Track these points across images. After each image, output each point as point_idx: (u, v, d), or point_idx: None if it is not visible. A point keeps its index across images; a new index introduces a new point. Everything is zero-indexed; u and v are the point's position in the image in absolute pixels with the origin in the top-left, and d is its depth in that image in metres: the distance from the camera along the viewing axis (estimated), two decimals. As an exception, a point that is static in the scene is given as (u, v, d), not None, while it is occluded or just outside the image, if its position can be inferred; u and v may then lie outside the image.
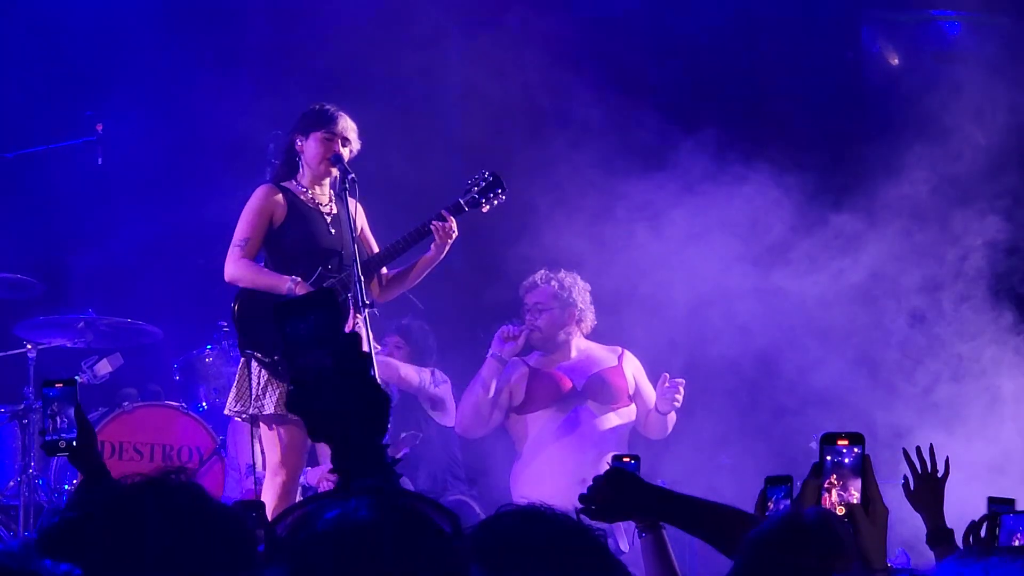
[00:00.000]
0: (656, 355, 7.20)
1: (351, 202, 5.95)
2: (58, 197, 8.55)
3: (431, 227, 5.92)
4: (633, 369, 6.93)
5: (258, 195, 5.95)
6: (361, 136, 6.01)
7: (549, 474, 6.65)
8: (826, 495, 2.68)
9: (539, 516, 2.19)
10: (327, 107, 5.98)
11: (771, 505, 3.02)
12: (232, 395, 5.88)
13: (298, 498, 5.84)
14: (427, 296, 7.50)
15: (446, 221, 5.93)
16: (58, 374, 7.51)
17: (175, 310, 8.35)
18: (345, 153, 5.93)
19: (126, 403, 7.60)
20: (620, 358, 6.93)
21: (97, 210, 8.63)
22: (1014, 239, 7.77)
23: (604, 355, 6.94)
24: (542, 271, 6.93)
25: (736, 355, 7.72)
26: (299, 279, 5.78)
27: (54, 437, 3.50)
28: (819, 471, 2.70)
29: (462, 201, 6.06)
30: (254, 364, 5.80)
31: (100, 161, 8.00)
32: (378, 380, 1.96)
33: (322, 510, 1.66)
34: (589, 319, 6.91)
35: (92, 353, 7.71)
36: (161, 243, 8.68)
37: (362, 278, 5.76)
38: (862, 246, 7.66)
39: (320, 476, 6.91)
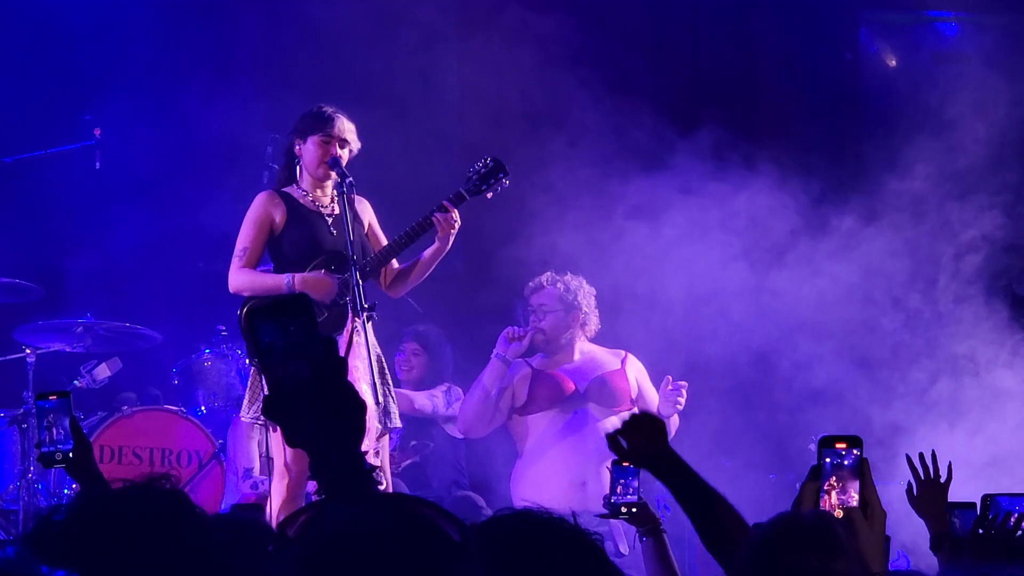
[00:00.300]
0: (654, 356, 7.19)
1: (358, 201, 5.96)
2: (56, 201, 8.54)
3: (433, 219, 5.91)
4: (636, 372, 6.93)
5: (255, 204, 5.95)
6: (359, 137, 6.01)
7: (550, 476, 6.65)
8: (824, 498, 2.68)
9: (535, 519, 2.19)
10: (324, 109, 5.97)
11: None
12: (246, 401, 5.93)
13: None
14: (426, 296, 7.49)
15: (448, 212, 5.91)
16: (57, 378, 7.59)
17: (174, 314, 8.35)
18: (344, 154, 5.93)
19: (125, 407, 7.59)
20: (623, 361, 6.93)
21: (95, 214, 8.62)
22: (1012, 237, 7.78)
23: (607, 358, 6.93)
24: (548, 273, 6.93)
25: (734, 355, 7.73)
26: (297, 274, 5.80)
27: (50, 449, 3.51)
28: (817, 474, 2.70)
29: (463, 190, 6.03)
30: None
31: (98, 165, 8.00)
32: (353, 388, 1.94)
33: (333, 513, 1.66)
34: (593, 323, 6.91)
35: (91, 357, 7.70)
36: (160, 247, 8.67)
37: (360, 281, 5.76)
38: (860, 245, 7.66)
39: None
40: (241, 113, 8.07)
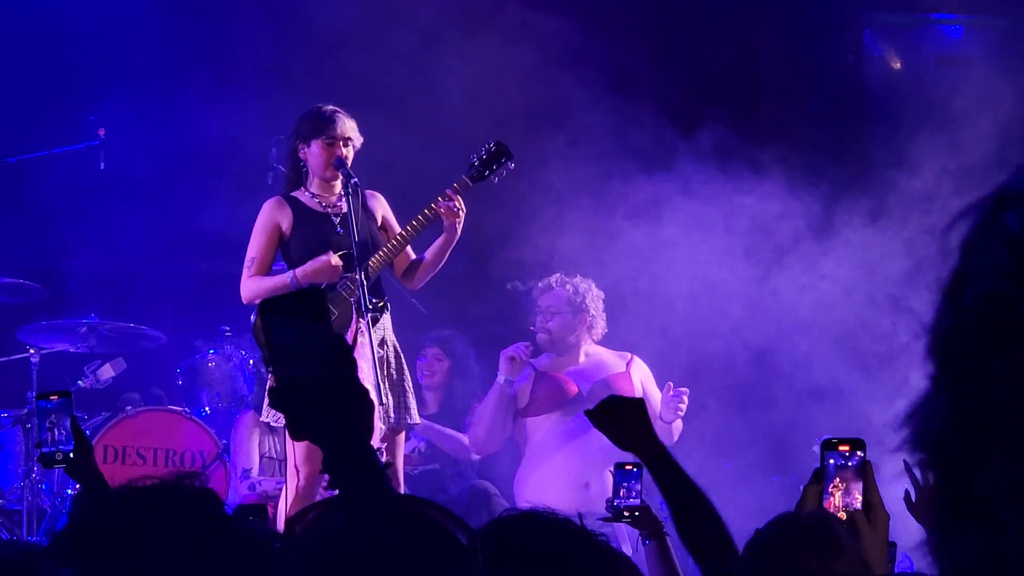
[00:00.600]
0: (656, 357, 7.19)
1: (371, 196, 5.98)
2: (60, 202, 8.56)
3: (438, 208, 5.90)
4: (641, 376, 6.92)
5: (262, 212, 5.99)
6: (360, 134, 6.00)
7: (553, 478, 6.65)
8: (827, 500, 2.68)
9: (541, 520, 2.19)
10: (323, 110, 5.96)
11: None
12: (265, 403, 5.97)
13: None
14: (427, 296, 7.49)
15: (451, 200, 5.91)
16: (61, 378, 7.59)
17: (178, 315, 8.36)
18: (348, 152, 5.93)
19: (129, 408, 7.60)
20: (628, 364, 6.92)
21: (99, 214, 8.64)
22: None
23: (613, 360, 6.93)
24: (557, 275, 6.92)
25: (736, 357, 7.73)
26: (300, 268, 5.82)
27: (51, 449, 3.50)
28: (820, 476, 2.70)
29: (466, 177, 6.00)
30: None
31: (102, 166, 8.01)
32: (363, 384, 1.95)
33: (341, 512, 1.67)
34: (600, 326, 6.91)
35: (95, 358, 7.71)
36: (164, 247, 8.69)
37: (365, 282, 5.77)
38: (863, 246, 7.66)
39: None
40: (244, 113, 8.07)
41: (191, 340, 8.17)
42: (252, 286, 5.92)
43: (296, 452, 5.77)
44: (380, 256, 5.91)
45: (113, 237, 8.70)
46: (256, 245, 5.94)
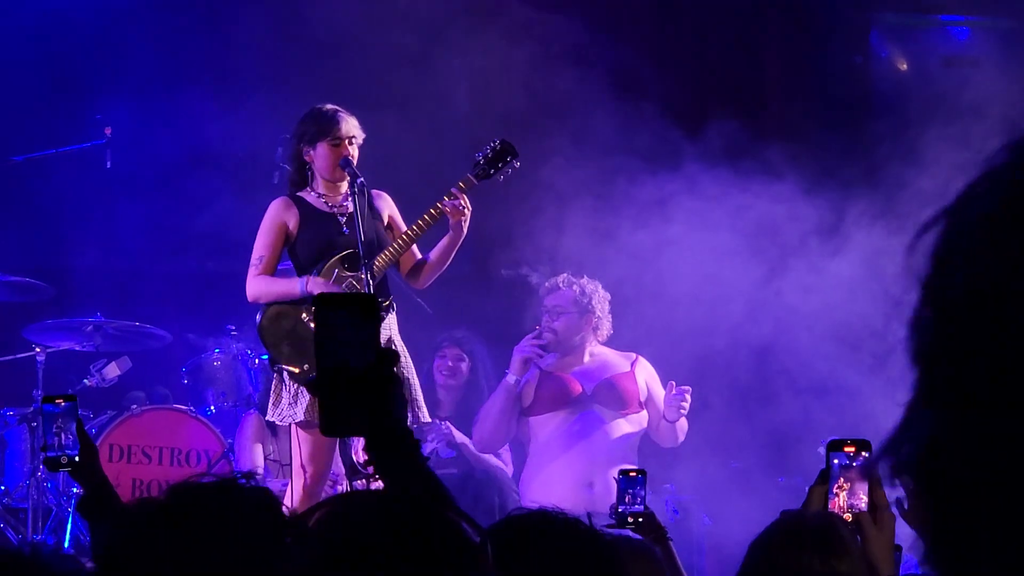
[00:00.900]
0: (659, 357, 7.19)
1: (377, 195, 5.98)
2: (67, 200, 8.57)
3: (443, 207, 5.89)
4: (646, 376, 6.92)
5: (269, 211, 5.99)
6: (367, 140, 6.01)
7: (557, 478, 6.65)
8: (833, 501, 2.68)
9: (550, 520, 2.20)
10: (324, 111, 5.95)
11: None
12: (271, 402, 5.96)
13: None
14: (429, 296, 7.49)
15: (457, 199, 5.91)
16: (67, 377, 7.60)
17: (183, 313, 8.37)
18: (353, 151, 5.93)
19: (134, 406, 7.61)
20: (633, 364, 6.92)
21: (105, 213, 8.65)
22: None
23: (617, 360, 6.93)
24: (564, 275, 6.92)
25: (741, 356, 7.72)
26: (310, 277, 5.82)
27: (56, 453, 3.51)
28: (826, 477, 2.70)
29: (471, 175, 5.99)
30: (286, 375, 5.85)
31: (109, 165, 8.02)
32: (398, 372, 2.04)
33: (353, 508, 1.67)
34: (606, 327, 6.91)
35: (100, 356, 7.71)
36: (170, 246, 8.70)
37: (371, 281, 5.77)
38: (868, 246, 7.65)
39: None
40: (249, 112, 8.08)
41: (197, 339, 8.17)
42: (260, 285, 5.92)
43: (302, 451, 5.79)
44: (386, 255, 5.91)
45: (119, 236, 8.71)
46: (263, 243, 5.95)
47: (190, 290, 8.59)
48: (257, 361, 7.73)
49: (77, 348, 7.72)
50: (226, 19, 8.81)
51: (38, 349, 7.53)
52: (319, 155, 5.93)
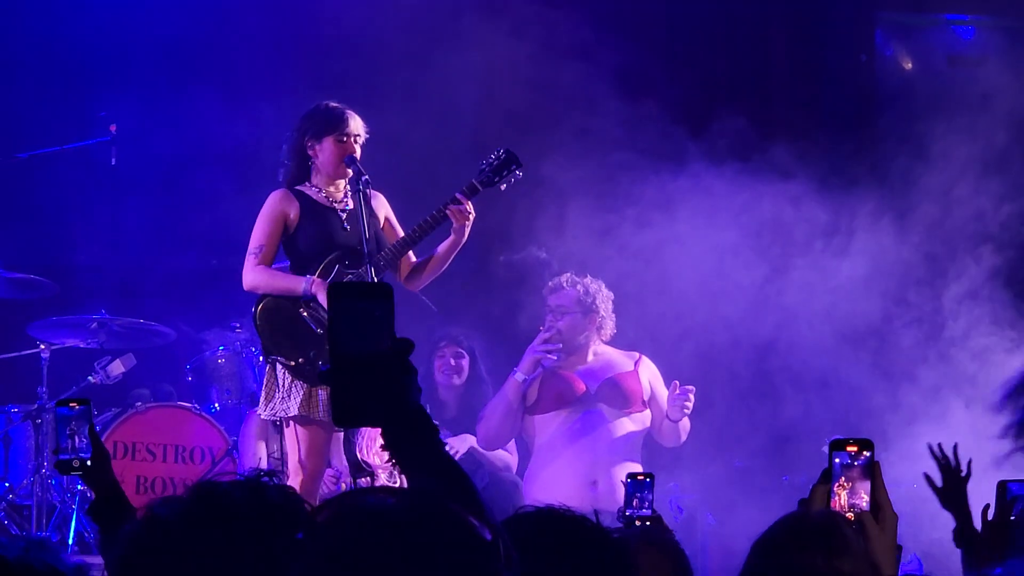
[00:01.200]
0: (661, 354, 7.19)
1: (373, 195, 5.98)
2: (71, 198, 8.58)
3: (447, 211, 5.91)
4: (649, 375, 6.92)
5: (270, 201, 5.96)
6: (371, 136, 6.01)
7: (561, 476, 6.65)
8: (835, 501, 2.68)
9: (558, 518, 2.20)
10: (333, 107, 5.97)
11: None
12: (263, 398, 5.94)
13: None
14: (430, 297, 7.49)
15: (461, 204, 5.91)
16: (71, 374, 7.60)
17: (188, 311, 8.37)
18: (357, 148, 5.93)
19: (139, 404, 7.62)
20: (636, 363, 6.92)
21: (110, 210, 8.65)
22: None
23: (621, 360, 6.93)
24: (568, 274, 6.93)
25: (744, 355, 7.73)
26: (315, 278, 5.81)
27: (68, 456, 3.52)
28: (828, 476, 2.70)
29: (476, 182, 6.01)
30: (279, 367, 5.84)
31: (114, 162, 8.02)
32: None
33: (364, 504, 1.67)
34: (609, 327, 6.91)
35: (105, 354, 7.72)
36: (174, 243, 8.70)
37: (374, 279, 5.77)
38: (873, 244, 7.66)
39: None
40: (254, 109, 8.09)
41: (201, 336, 8.18)
42: (259, 276, 5.89)
43: (301, 448, 5.77)
44: (387, 254, 5.92)
45: (124, 233, 8.72)
46: (263, 232, 5.92)
47: (194, 287, 8.60)
48: (261, 358, 7.73)
49: (81, 345, 7.73)
50: (231, 17, 8.81)
51: (42, 346, 7.54)
52: (324, 150, 5.93)
